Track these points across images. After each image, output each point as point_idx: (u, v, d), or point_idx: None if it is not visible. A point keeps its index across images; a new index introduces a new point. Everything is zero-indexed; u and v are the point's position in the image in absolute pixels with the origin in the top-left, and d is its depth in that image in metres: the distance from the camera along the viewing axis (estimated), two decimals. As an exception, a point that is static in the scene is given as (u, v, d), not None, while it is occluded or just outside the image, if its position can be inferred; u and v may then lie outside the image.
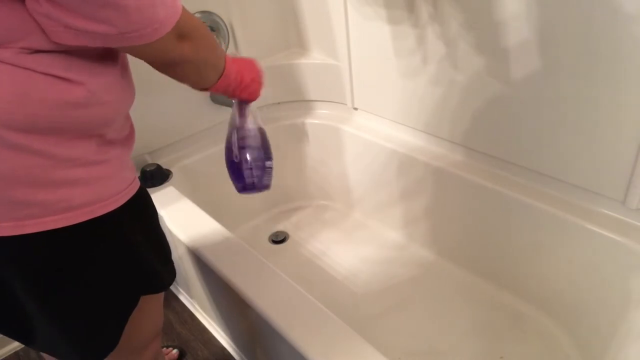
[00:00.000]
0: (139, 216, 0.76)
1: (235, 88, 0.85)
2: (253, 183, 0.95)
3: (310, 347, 0.84)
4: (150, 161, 1.45)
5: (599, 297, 1.14)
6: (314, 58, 1.65)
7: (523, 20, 1.04)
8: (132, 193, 0.72)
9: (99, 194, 0.66)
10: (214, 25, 1.47)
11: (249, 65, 0.89)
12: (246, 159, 0.93)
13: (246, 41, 1.57)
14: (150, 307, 0.83)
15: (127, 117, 0.75)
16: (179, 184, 1.39)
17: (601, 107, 1.01)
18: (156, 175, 1.39)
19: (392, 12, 1.30)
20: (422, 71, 1.31)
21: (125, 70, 0.68)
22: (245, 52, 1.58)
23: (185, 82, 0.77)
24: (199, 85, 0.79)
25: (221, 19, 1.49)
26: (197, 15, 1.43)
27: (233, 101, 0.93)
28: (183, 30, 0.64)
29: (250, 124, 0.94)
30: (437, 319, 1.35)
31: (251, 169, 0.94)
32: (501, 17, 1.07)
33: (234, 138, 0.93)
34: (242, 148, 0.93)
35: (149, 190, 1.35)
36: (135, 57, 0.64)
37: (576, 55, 0.99)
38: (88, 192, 0.64)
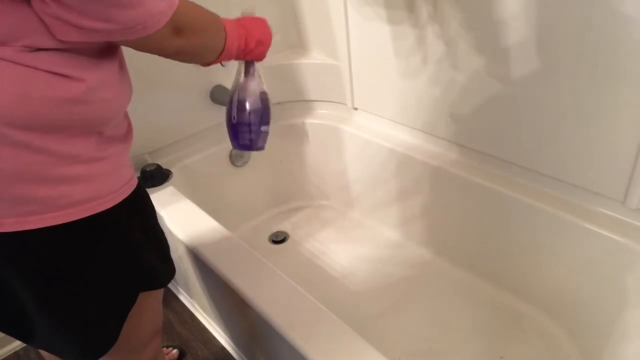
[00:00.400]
0: (138, 213, 0.76)
1: (237, 55, 0.86)
2: (246, 145, 0.96)
3: (310, 347, 0.84)
4: (150, 161, 1.45)
5: (599, 297, 1.14)
6: (314, 58, 1.65)
7: (523, 21, 1.04)
8: (131, 190, 0.73)
9: (99, 190, 0.66)
10: (214, 25, 1.47)
11: (258, 27, 0.89)
12: (242, 121, 0.94)
13: (246, 41, 1.57)
14: (149, 305, 0.83)
15: (125, 115, 0.75)
16: (179, 184, 1.39)
17: (601, 107, 1.01)
18: (156, 175, 1.39)
19: (392, 12, 1.30)
20: (422, 71, 1.31)
21: (122, 66, 0.69)
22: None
23: (186, 62, 0.80)
24: (198, 63, 0.82)
25: (221, 19, 1.48)
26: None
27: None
28: (179, 23, 0.66)
29: (252, 86, 0.94)
30: (437, 319, 1.35)
31: (247, 132, 0.95)
32: (501, 17, 1.07)
33: (235, 98, 0.94)
34: (240, 110, 0.94)
35: (149, 190, 1.35)
36: (134, 49, 0.66)
37: (576, 55, 0.99)
38: (88, 189, 0.65)
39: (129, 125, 0.76)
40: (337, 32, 1.50)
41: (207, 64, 0.82)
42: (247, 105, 0.94)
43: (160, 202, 1.29)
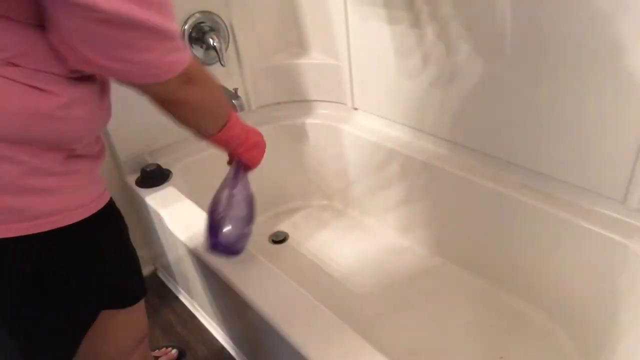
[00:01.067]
0: (107, 229, 0.75)
1: (238, 145, 0.91)
2: (224, 244, 0.98)
3: (310, 347, 0.84)
4: (150, 161, 1.45)
5: (598, 297, 1.14)
6: (314, 58, 1.65)
7: (522, 21, 1.04)
8: (100, 206, 0.72)
9: (65, 204, 0.66)
10: (214, 25, 1.47)
11: (254, 131, 0.96)
12: (228, 220, 0.97)
13: (246, 41, 1.57)
14: (126, 318, 0.83)
15: (99, 138, 0.75)
16: (179, 184, 1.39)
17: (601, 106, 1.01)
18: (156, 175, 1.39)
19: (391, 12, 1.30)
20: (423, 71, 1.31)
21: (104, 89, 0.69)
22: (245, 52, 1.58)
23: (186, 126, 0.82)
24: (198, 131, 0.85)
25: (221, 19, 1.49)
26: (197, 15, 1.43)
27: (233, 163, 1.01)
28: (190, 74, 0.69)
29: (242, 188, 1.00)
30: (436, 319, 1.35)
31: (230, 231, 0.97)
32: (500, 16, 1.07)
33: (223, 196, 0.99)
34: (228, 206, 0.98)
35: (149, 190, 1.36)
36: (139, 92, 0.68)
37: (576, 54, 0.99)
38: (54, 202, 0.64)
39: (102, 147, 0.76)
40: (337, 32, 1.50)
41: (204, 135, 0.86)
42: (235, 206, 0.98)
43: (160, 202, 1.29)
